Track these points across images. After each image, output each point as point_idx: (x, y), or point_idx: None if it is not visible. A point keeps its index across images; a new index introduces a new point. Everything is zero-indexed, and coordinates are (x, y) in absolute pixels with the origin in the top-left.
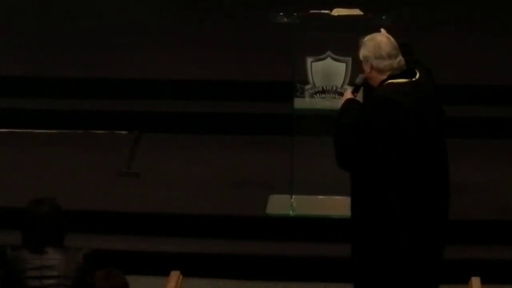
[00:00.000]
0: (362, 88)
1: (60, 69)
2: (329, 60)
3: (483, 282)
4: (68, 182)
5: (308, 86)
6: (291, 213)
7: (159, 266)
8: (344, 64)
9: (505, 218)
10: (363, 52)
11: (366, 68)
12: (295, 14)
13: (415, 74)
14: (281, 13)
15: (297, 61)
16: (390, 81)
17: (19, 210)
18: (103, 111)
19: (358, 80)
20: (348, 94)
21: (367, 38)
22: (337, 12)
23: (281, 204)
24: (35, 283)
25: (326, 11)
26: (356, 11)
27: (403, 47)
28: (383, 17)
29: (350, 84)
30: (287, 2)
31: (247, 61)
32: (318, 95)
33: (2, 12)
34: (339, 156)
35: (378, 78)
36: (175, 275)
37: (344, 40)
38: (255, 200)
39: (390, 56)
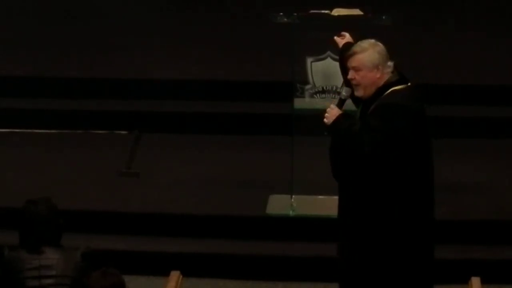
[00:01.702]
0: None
1: (60, 69)
2: (329, 60)
3: (483, 282)
4: (68, 182)
5: (308, 86)
6: (291, 213)
7: (159, 266)
8: None
9: (505, 218)
10: (371, 58)
11: (375, 74)
12: (295, 14)
13: (407, 79)
14: (281, 13)
15: (297, 61)
16: (393, 88)
17: (18, 210)
18: (103, 111)
19: (345, 94)
20: (336, 110)
21: (367, 44)
22: (337, 12)
23: (281, 204)
24: (34, 283)
25: (326, 11)
26: (356, 11)
27: None
28: (383, 17)
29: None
30: (287, 2)
31: (247, 61)
32: (318, 95)
33: (2, 12)
34: (343, 170)
35: (376, 85)
36: (175, 275)
37: None
38: (255, 200)
39: (389, 60)
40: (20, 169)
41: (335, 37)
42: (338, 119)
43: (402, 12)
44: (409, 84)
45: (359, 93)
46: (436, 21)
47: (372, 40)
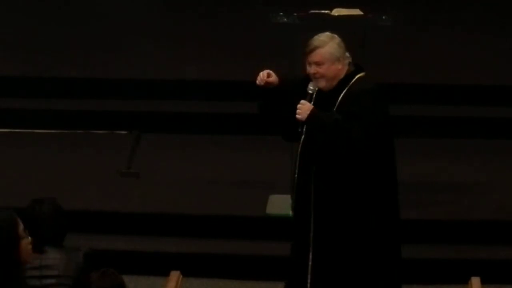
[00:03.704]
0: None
1: (60, 69)
2: None
3: (483, 282)
4: (68, 182)
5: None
6: (291, 213)
7: (159, 266)
8: None
9: (505, 218)
10: (333, 51)
11: (337, 66)
12: (295, 14)
13: (362, 67)
14: (281, 13)
15: (297, 61)
16: (358, 75)
17: (19, 210)
18: (103, 111)
19: (312, 87)
20: (308, 105)
21: (325, 37)
22: (337, 12)
23: (281, 204)
24: (35, 283)
25: (326, 11)
26: (356, 11)
27: None
28: (383, 17)
29: None
30: (287, 2)
31: (247, 61)
32: None
33: (2, 12)
34: (322, 161)
35: (339, 76)
36: (175, 275)
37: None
38: (255, 200)
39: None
40: (20, 169)
41: (263, 82)
42: (313, 113)
43: (402, 12)
44: (365, 72)
45: (321, 84)
46: (436, 21)
47: (328, 33)
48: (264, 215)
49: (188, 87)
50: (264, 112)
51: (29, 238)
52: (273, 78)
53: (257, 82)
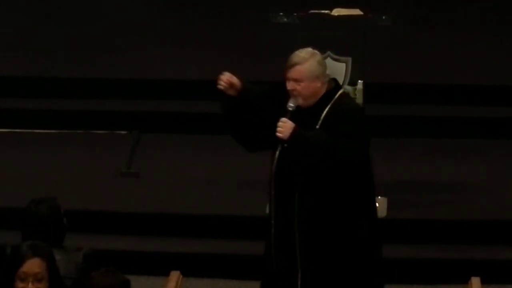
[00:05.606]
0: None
1: (60, 69)
2: (329, 60)
3: (483, 282)
4: (68, 182)
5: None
6: None
7: (159, 266)
8: (344, 64)
9: (505, 218)
10: (312, 69)
11: (316, 84)
12: (295, 14)
13: (339, 84)
14: (281, 13)
15: None
16: (339, 92)
17: (19, 210)
18: (103, 111)
19: (293, 105)
20: (290, 123)
21: (306, 54)
22: (337, 12)
23: None
24: None
25: (326, 11)
26: (356, 11)
27: None
28: (383, 17)
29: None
30: (287, 2)
31: (247, 61)
32: None
33: (2, 12)
34: (305, 176)
35: (318, 94)
36: (175, 275)
37: (344, 40)
38: (255, 200)
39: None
40: (20, 169)
41: (227, 83)
42: (296, 131)
43: (402, 12)
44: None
45: (298, 102)
46: (436, 21)
47: (310, 49)
48: (264, 215)
49: (188, 87)
50: (230, 118)
51: (31, 284)
52: (235, 79)
53: (220, 86)
